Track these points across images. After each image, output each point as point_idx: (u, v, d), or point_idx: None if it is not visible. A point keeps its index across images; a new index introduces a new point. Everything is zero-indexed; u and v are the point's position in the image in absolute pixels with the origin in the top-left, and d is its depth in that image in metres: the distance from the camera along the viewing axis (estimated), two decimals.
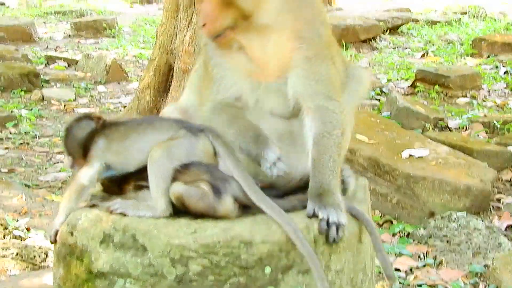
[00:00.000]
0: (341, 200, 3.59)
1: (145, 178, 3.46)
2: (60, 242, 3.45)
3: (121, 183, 3.58)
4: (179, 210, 3.39)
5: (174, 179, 3.38)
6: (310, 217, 3.43)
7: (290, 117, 3.85)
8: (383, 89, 10.98)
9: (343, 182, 3.80)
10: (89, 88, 11.83)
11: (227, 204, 3.36)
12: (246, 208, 3.42)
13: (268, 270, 3.25)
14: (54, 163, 8.39)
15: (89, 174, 3.50)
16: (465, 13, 18.01)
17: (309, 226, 3.33)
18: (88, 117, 3.70)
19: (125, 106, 10.40)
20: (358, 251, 3.52)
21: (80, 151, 3.61)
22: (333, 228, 3.39)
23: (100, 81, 12.18)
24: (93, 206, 3.53)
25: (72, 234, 3.40)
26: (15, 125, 9.54)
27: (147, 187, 3.44)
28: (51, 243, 3.53)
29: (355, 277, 3.48)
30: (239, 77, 3.86)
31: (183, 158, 3.44)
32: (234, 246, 3.23)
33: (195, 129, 3.51)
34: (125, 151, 3.53)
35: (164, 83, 9.04)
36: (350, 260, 3.44)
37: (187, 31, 8.39)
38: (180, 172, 3.38)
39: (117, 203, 3.42)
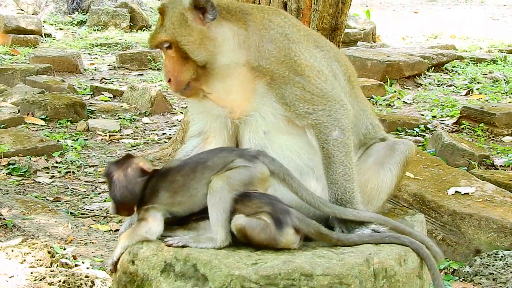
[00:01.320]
0: (361, 208, 3.69)
1: (205, 210, 3.50)
2: (121, 271, 3.50)
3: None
4: (240, 241, 3.44)
5: (236, 210, 3.42)
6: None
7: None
8: (428, 126, 10.97)
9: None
10: (134, 119, 11.97)
11: (289, 236, 3.40)
12: (308, 240, 3.47)
13: None
14: (99, 193, 8.49)
15: (156, 230, 3.55)
16: (511, 52, 17.93)
17: (369, 260, 3.35)
18: (135, 166, 3.74)
19: (169, 138, 10.51)
20: (417, 287, 3.52)
21: (130, 200, 3.66)
22: None
23: (145, 113, 12.32)
24: None
25: (133, 262, 3.45)
26: (61, 155, 9.67)
27: (207, 217, 3.47)
28: (111, 273, 3.58)
29: None
30: (208, 120, 4.03)
31: (242, 187, 3.48)
32: (295, 278, 3.25)
33: (250, 156, 3.55)
34: (189, 200, 3.57)
35: None
36: None
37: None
38: (242, 203, 3.42)
39: (177, 236, 3.46)
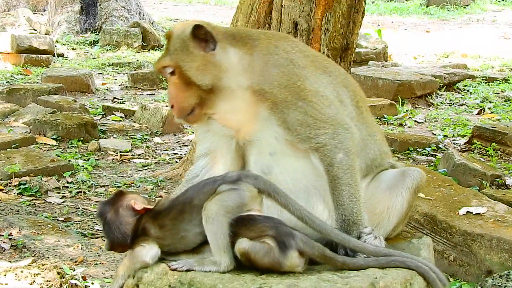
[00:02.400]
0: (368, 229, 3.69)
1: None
2: None
3: None
4: (244, 265, 3.43)
5: (240, 234, 3.42)
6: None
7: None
8: (440, 145, 10.95)
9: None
10: (145, 139, 12.00)
11: (293, 259, 3.40)
12: (312, 262, 3.46)
13: None
14: None
15: (153, 254, 3.56)
16: None
17: (375, 284, 3.33)
18: (126, 206, 3.76)
19: (180, 157, 10.52)
20: None
21: (122, 239, 3.68)
22: None
23: (156, 132, 12.35)
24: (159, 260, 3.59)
25: (137, 286, 3.45)
26: (72, 175, 9.70)
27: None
28: None
29: None
30: (215, 139, 4.04)
31: (236, 209, 3.48)
32: None
33: (233, 180, 3.55)
34: (181, 241, 3.60)
35: None
36: None
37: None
38: (246, 228, 3.43)
39: (181, 260, 3.45)
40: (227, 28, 4.13)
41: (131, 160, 10.77)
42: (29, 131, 11.86)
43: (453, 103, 14.72)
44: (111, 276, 6.48)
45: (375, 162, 4.20)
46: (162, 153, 11.26)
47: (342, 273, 3.41)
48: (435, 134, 11.96)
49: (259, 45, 4.03)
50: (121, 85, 16.85)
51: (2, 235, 7.27)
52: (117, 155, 10.91)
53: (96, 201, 8.83)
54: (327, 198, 3.90)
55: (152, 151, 11.39)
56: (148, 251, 3.55)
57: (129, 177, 9.86)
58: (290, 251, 3.38)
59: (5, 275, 5.99)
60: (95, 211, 8.39)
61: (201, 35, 3.97)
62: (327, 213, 3.89)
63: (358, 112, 4.20)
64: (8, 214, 8.11)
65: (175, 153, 11.25)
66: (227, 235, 3.40)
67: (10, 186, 9.18)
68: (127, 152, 11.14)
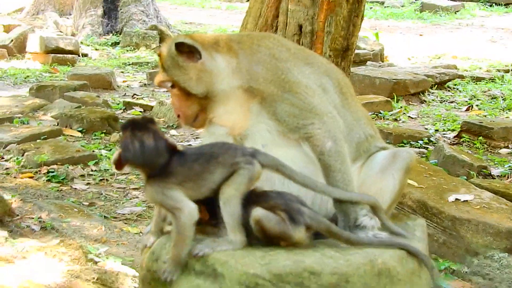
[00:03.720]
0: (363, 209, 3.70)
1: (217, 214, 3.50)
2: (145, 269, 3.54)
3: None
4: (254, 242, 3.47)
5: (252, 205, 3.45)
6: None
7: None
8: (431, 139, 10.96)
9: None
10: (162, 132, 12.00)
11: (301, 234, 3.44)
12: (316, 235, 3.49)
13: None
14: (130, 198, 8.54)
15: (193, 210, 3.48)
16: (508, 71, 17.86)
17: (373, 261, 3.37)
18: (168, 140, 3.68)
19: None
20: (417, 286, 3.54)
21: (144, 163, 3.55)
22: None
23: (172, 126, 12.37)
24: None
25: (156, 261, 3.49)
26: (96, 164, 9.73)
27: (222, 222, 3.48)
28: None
29: None
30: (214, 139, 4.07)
31: (247, 188, 3.50)
32: (305, 277, 3.29)
33: (249, 156, 3.55)
34: (199, 188, 3.53)
35: None
36: None
37: None
38: (259, 203, 3.45)
39: (199, 246, 3.43)
40: (211, 36, 4.12)
41: None
42: (56, 124, 11.90)
43: (444, 100, 14.71)
44: (132, 255, 6.53)
45: (363, 146, 4.16)
46: (178, 145, 11.24)
47: (343, 251, 3.45)
48: (427, 129, 11.97)
49: (242, 47, 4.04)
50: (140, 82, 16.88)
51: (33, 218, 7.31)
52: None
53: (117, 188, 8.87)
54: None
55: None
56: (189, 210, 3.45)
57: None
58: (299, 226, 3.41)
59: (35, 253, 6.04)
60: (117, 196, 8.46)
61: (185, 48, 3.98)
62: (319, 197, 3.90)
63: (342, 98, 4.15)
64: (38, 199, 8.16)
65: (189, 144, 11.26)
66: (239, 215, 3.42)
67: (39, 174, 9.23)
68: None
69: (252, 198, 3.48)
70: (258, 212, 3.40)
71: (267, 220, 3.39)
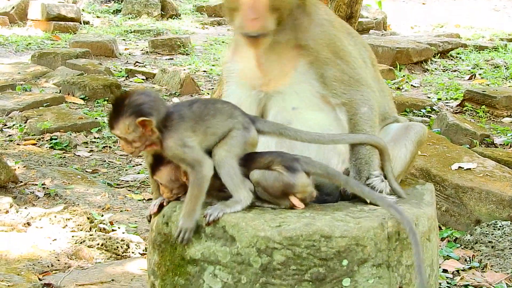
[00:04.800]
0: (376, 171, 3.70)
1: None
2: (156, 231, 3.54)
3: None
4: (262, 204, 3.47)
5: (250, 169, 3.43)
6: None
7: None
8: (434, 107, 10.94)
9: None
10: (165, 99, 11.98)
11: (302, 179, 3.42)
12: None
13: (345, 262, 3.31)
14: (133, 166, 8.55)
15: (211, 164, 3.40)
16: (511, 40, 17.80)
17: (383, 224, 3.38)
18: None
19: None
20: (427, 249, 3.55)
21: (150, 111, 3.33)
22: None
23: (175, 93, 12.36)
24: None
25: (167, 224, 3.49)
26: (99, 131, 9.74)
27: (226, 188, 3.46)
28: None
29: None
30: (242, 87, 3.97)
31: (241, 151, 3.47)
32: (315, 239, 3.28)
33: (248, 121, 3.51)
34: (208, 133, 3.44)
35: None
36: None
37: None
38: (255, 161, 3.44)
39: (209, 211, 3.40)
40: None
41: None
42: (59, 92, 11.88)
43: (447, 69, 14.68)
44: (135, 221, 6.56)
45: (385, 115, 4.19)
46: None
47: (353, 214, 3.44)
48: (429, 97, 11.95)
49: (300, 5, 3.96)
50: (142, 50, 16.84)
51: (36, 184, 7.33)
52: None
53: (120, 155, 8.88)
54: (341, 151, 3.90)
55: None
56: (206, 165, 3.35)
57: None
58: (298, 173, 3.39)
59: (40, 219, 6.07)
60: (120, 164, 8.48)
61: None
62: (341, 166, 3.89)
63: (374, 71, 4.20)
64: (41, 166, 8.17)
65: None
66: (239, 173, 3.38)
67: (42, 141, 9.24)
68: None
69: (248, 163, 3.46)
70: (255, 175, 3.39)
71: (265, 178, 3.37)
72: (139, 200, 7.29)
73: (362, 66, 4.02)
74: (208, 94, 11.67)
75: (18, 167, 7.90)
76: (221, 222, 3.37)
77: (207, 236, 3.38)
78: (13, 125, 9.89)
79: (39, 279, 4.90)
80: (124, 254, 5.76)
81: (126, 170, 8.36)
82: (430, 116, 10.47)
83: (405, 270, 3.43)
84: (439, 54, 15.42)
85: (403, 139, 4.05)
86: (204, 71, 14.62)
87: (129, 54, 16.34)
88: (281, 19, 3.79)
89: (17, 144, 9.10)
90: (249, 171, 3.45)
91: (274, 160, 3.45)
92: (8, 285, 4.47)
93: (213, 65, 15.07)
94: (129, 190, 7.64)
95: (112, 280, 5.03)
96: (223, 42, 18.09)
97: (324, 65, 3.86)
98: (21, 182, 7.40)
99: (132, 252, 5.76)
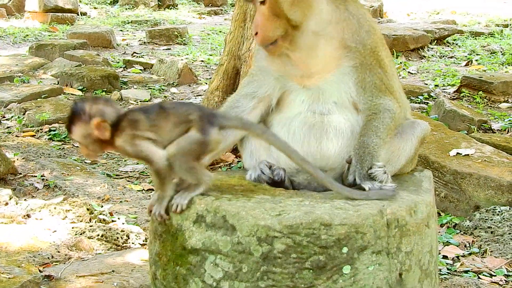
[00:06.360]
0: (379, 164, 3.68)
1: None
2: (157, 222, 3.53)
3: None
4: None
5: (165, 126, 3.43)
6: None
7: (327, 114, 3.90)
8: (431, 94, 10.91)
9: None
10: (162, 90, 11.97)
11: (215, 136, 3.44)
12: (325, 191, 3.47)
13: (345, 250, 3.30)
14: None
15: (162, 155, 3.48)
16: (507, 26, 17.76)
17: (383, 211, 3.36)
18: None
19: None
20: (426, 235, 3.54)
21: (115, 115, 3.48)
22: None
23: (173, 83, 12.32)
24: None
25: (167, 214, 3.48)
26: None
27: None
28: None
29: (422, 258, 3.53)
30: (276, 79, 3.95)
31: (195, 150, 3.46)
32: (315, 227, 3.27)
33: (207, 119, 3.50)
34: (166, 136, 3.48)
35: (232, 85, 9.08)
36: (418, 243, 3.48)
37: (253, 39, 8.44)
38: (173, 114, 3.44)
39: (176, 200, 3.46)
40: None
41: None
42: (57, 83, 11.83)
43: (443, 56, 14.65)
44: (135, 212, 6.53)
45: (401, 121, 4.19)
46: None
47: (353, 202, 3.43)
48: (427, 84, 11.91)
49: (350, 5, 3.93)
50: (139, 40, 16.80)
51: (36, 176, 7.30)
52: (138, 104, 10.88)
53: None
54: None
55: (170, 100, 11.36)
56: (158, 154, 3.48)
57: None
58: (211, 130, 3.40)
59: (40, 211, 6.04)
60: (119, 154, 8.43)
61: None
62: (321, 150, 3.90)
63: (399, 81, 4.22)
64: (40, 157, 8.14)
65: (190, 102, 11.19)
66: (192, 162, 3.40)
67: (41, 133, 9.21)
68: (147, 101, 11.12)
69: (157, 114, 3.46)
70: (169, 150, 3.38)
71: (180, 148, 3.37)
72: (139, 190, 7.26)
73: (395, 76, 4.04)
74: (206, 83, 11.61)
75: (17, 159, 7.87)
76: (221, 211, 3.36)
77: (208, 226, 3.37)
78: (12, 117, 9.86)
79: (40, 271, 4.87)
80: (124, 244, 5.73)
81: (125, 160, 8.33)
82: (427, 103, 10.44)
83: (404, 257, 3.43)
84: (435, 41, 15.38)
85: (409, 135, 4.06)
86: (202, 61, 14.58)
87: (127, 45, 16.30)
88: (295, 21, 3.77)
89: (16, 136, 9.06)
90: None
91: (192, 114, 3.44)
92: (9, 277, 4.44)
93: (210, 55, 15.03)
94: (128, 181, 7.62)
95: (113, 271, 4.99)
96: (220, 31, 18.04)
97: (367, 71, 3.87)
98: (20, 174, 7.37)
99: (132, 243, 5.74)
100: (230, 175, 4.07)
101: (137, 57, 14.83)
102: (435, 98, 10.48)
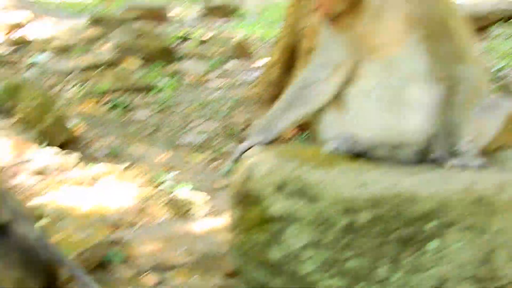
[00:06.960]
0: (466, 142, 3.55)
1: None
2: (237, 188, 3.47)
3: None
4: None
5: None
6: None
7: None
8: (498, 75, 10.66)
9: None
10: (219, 63, 11.91)
11: None
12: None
13: (431, 224, 3.17)
14: (193, 127, 8.48)
15: None
16: None
17: (470, 187, 3.23)
18: None
19: (251, 82, 10.38)
20: None
21: None
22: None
23: (229, 58, 12.23)
24: None
25: (249, 179, 3.41)
26: (157, 93, 9.69)
27: None
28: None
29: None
30: (345, 51, 3.84)
31: None
32: (401, 200, 3.15)
33: None
34: None
35: (290, 60, 9.01)
36: (508, 222, 3.29)
37: (314, 13, 8.34)
38: None
39: None
40: None
41: (207, 82, 10.69)
42: (115, 54, 11.84)
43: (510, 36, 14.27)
44: (198, 181, 6.51)
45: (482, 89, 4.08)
46: (236, 76, 11.15)
47: (440, 175, 3.27)
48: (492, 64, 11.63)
49: None
50: (196, 12, 16.77)
51: (98, 143, 7.33)
52: (195, 77, 10.85)
53: (180, 117, 8.82)
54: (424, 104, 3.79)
55: (227, 74, 11.30)
56: None
57: (206, 96, 9.81)
58: None
59: (105, 177, 6.04)
60: (179, 125, 8.44)
61: None
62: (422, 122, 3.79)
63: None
64: (102, 126, 8.17)
65: (245, 77, 11.12)
66: None
67: (102, 102, 9.23)
68: (204, 75, 11.07)
69: None
70: None
71: None
72: (201, 159, 7.22)
73: (469, 45, 3.89)
74: (261, 58, 11.49)
75: (80, 128, 7.89)
76: (303, 180, 3.26)
77: (289, 194, 3.29)
78: (73, 86, 9.89)
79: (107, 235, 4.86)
80: (187, 213, 5.72)
81: (185, 131, 8.30)
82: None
83: (493, 235, 3.25)
84: (503, 20, 14.97)
85: (495, 110, 3.91)
86: (258, 35, 14.46)
87: (182, 19, 16.26)
88: None
89: (77, 105, 9.10)
90: None
91: None
92: (80, 239, 4.44)
93: (267, 30, 14.90)
94: (189, 151, 7.58)
95: (177, 238, 4.97)
96: (276, 6, 17.88)
97: (437, 41, 3.74)
98: (83, 141, 7.39)
99: (197, 210, 5.72)
100: (303, 147, 4.00)
101: (192, 31, 14.78)
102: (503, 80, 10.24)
